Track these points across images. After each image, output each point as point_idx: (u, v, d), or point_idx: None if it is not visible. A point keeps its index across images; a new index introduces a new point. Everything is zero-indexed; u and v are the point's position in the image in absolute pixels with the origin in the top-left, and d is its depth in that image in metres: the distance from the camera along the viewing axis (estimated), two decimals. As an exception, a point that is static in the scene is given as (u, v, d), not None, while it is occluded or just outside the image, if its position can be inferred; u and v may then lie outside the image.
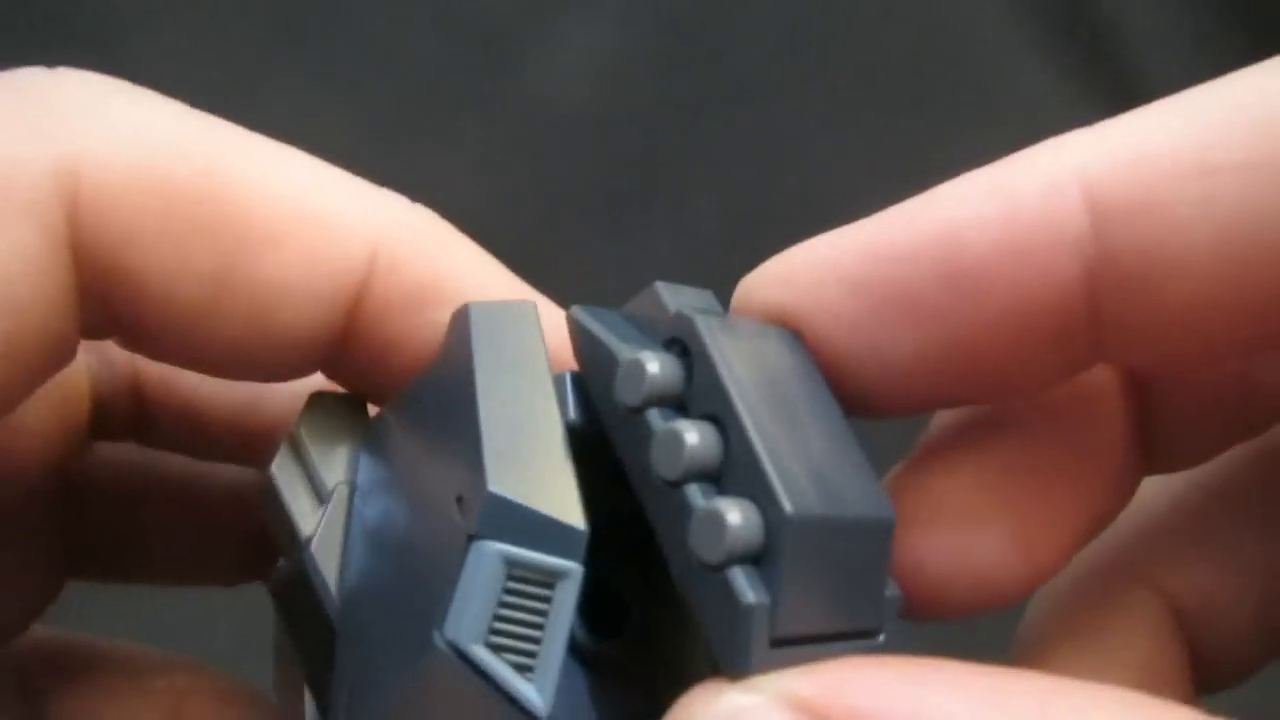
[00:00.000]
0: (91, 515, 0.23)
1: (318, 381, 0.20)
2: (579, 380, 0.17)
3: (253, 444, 0.22)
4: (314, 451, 0.19)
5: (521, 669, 0.14)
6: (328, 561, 0.18)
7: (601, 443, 0.16)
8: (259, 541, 0.23)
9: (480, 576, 0.14)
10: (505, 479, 0.15)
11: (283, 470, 0.19)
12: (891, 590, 0.16)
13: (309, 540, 0.18)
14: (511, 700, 0.14)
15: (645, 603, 0.18)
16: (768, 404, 0.16)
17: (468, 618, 0.14)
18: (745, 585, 0.14)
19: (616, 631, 0.18)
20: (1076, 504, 0.18)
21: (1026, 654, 0.20)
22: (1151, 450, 0.19)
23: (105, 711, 0.22)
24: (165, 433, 0.22)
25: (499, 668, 0.14)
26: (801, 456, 0.15)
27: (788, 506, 0.14)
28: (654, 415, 0.16)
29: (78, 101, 0.17)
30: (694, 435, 0.15)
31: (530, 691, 0.14)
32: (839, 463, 0.16)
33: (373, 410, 0.20)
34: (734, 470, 0.15)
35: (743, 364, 0.16)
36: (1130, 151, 0.16)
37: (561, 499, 0.15)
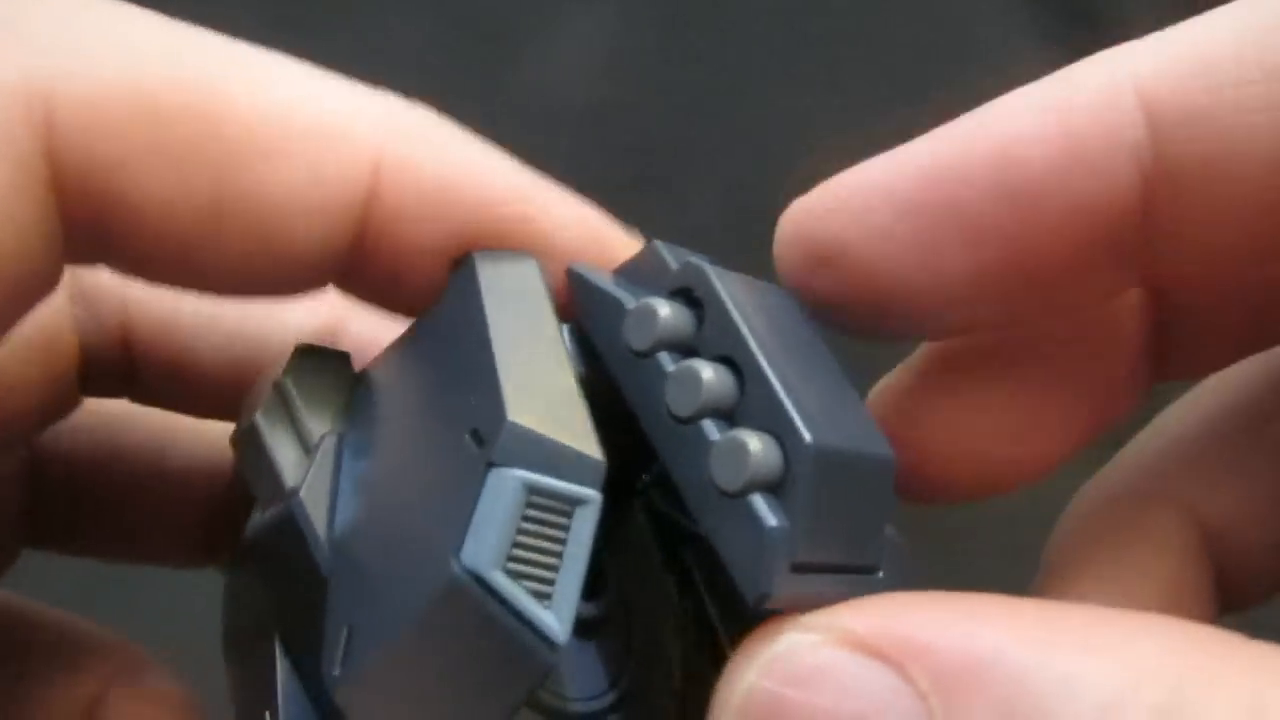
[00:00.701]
0: (52, 485, 0.22)
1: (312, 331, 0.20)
2: (575, 334, 0.17)
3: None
4: (300, 401, 0.18)
5: (539, 596, 0.14)
6: (316, 510, 0.17)
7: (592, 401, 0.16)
8: (216, 527, 0.22)
9: (499, 502, 0.14)
10: (523, 410, 0.15)
11: (268, 419, 0.18)
12: (890, 531, 0.17)
13: (297, 489, 0.17)
14: (530, 627, 0.14)
15: (619, 566, 0.18)
16: (778, 347, 0.16)
17: (486, 544, 0.14)
18: (767, 510, 0.15)
19: (593, 594, 0.18)
20: (1083, 397, 0.18)
21: (1053, 574, 0.20)
22: (1164, 356, 0.19)
23: (30, 687, 0.21)
24: (154, 387, 0.22)
25: (518, 594, 0.14)
26: (812, 395, 0.16)
27: (807, 435, 0.15)
28: (664, 357, 0.16)
29: (47, 18, 0.16)
30: (709, 371, 0.16)
31: (549, 618, 0.14)
32: (843, 404, 0.16)
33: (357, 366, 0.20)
34: (750, 406, 0.15)
35: (752, 310, 0.16)
36: (1189, 58, 0.16)
37: (579, 431, 0.15)
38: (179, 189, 0.16)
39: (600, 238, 0.19)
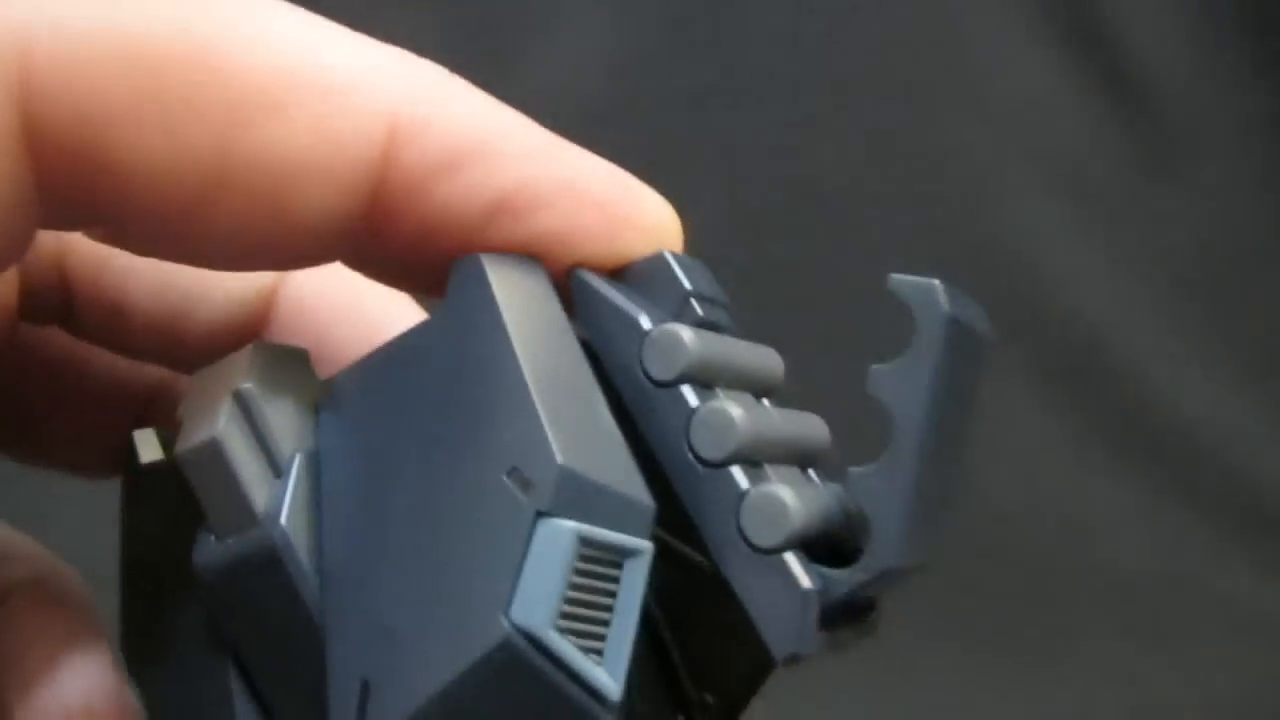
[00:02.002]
0: None
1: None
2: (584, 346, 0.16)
3: (179, 349, 0.20)
4: (267, 413, 0.16)
5: (591, 652, 0.13)
6: (300, 541, 0.16)
7: None
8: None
9: (551, 556, 0.13)
10: (572, 452, 0.14)
11: (230, 434, 0.16)
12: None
13: (276, 516, 0.16)
14: (584, 686, 0.13)
15: None
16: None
17: (539, 600, 0.13)
18: (802, 570, 0.14)
19: None
20: None
21: None
22: None
23: None
24: (88, 325, 0.21)
25: (572, 653, 0.13)
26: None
27: (892, 558, 0.14)
28: (688, 391, 0.15)
29: None
30: (739, 411, 0.15)
31: (603, 677, 0.13)
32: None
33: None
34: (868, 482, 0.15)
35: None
36: None
37: (625, 472, 0.14)
38: (173, 148, 0.15)
39: (630, 197, 0.17)
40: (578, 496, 0.14)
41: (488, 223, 0.16)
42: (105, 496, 0.20)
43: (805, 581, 0.14)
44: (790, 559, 0.14)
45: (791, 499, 0.14)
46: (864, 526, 0.15)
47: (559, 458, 0.14)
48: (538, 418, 0.14)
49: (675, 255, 0.17)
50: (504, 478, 0.14)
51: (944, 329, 0.14)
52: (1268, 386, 0.66)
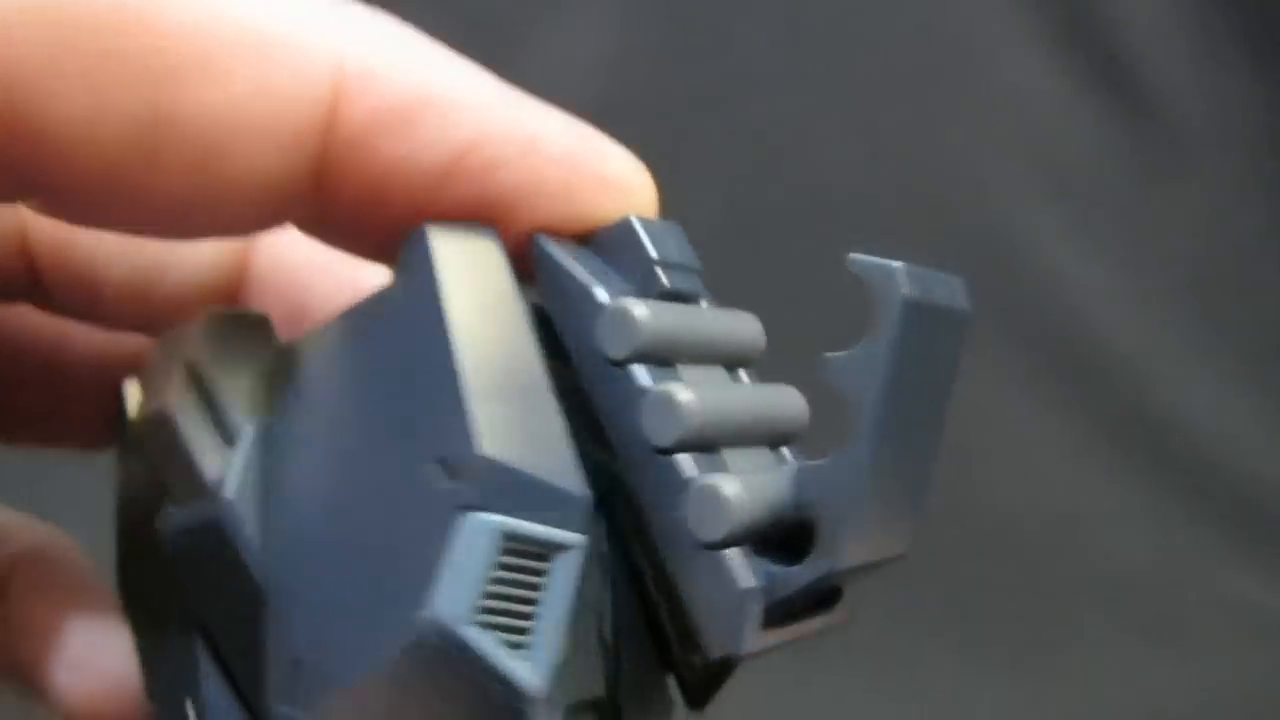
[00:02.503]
0: None
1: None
2: (537, 314, 0.15)
3: (154, 316, 0.20)
4: (219, 383, 0.16)
5: (515, 646, 0.13)
6: (246, 514, 0.15)
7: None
8: (113, 413, 0.21)
9: (472, 551, 0.13)
10: (499, 439, 0.13)
11: (184, 406, 0.16)
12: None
13: (222, 487, 0.15)
14: (502, 680, 0.13)
15: None
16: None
17: (457, 596, 0.13)
18: (745, 569, 0.14)
19: None
20: None
21: None
22: None
23: None
24: (56, 296, 0.20)
25: (489, 647, 0.13)
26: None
27: (844, 560, 0.14)
28: (640, 371, 0.15)
29: None
30: (687, 395, 0.14)
31: (524, 670, 0.13)
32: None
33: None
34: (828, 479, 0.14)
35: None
36: None
37: (558, 459, 0.14)
38: (101, 110, 0.14)
39: (594, 153, 0.16)
40: (504, 488, 0.13)
41: (442, 183, 0.15)
42: (103, 482, 0.20)
43: (744, 581, 0.14)
44: (732, 555, 0.14)
45: (734, 492, 0.14)
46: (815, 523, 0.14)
47: (483, 449, 0.13)
48: (465, 406, 0.13)
49: (643, 220, 0.16)
50: (430, 467, 0.13)
51: (901, 314, 0.13)
52: (1268, 387, 0.66)
